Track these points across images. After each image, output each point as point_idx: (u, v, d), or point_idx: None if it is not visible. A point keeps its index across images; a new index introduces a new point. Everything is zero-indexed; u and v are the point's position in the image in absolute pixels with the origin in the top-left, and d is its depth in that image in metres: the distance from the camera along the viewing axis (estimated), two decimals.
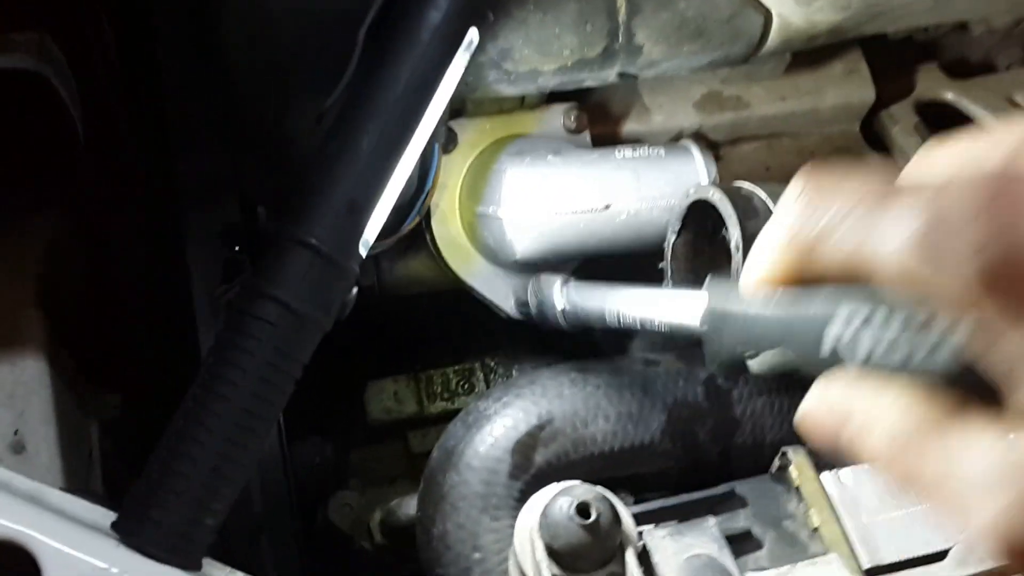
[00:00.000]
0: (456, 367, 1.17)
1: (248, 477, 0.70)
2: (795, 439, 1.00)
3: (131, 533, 0.66)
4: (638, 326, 0.73)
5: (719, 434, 0.99)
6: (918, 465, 0.39)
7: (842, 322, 0.40)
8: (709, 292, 0.50)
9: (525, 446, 0.93)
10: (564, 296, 0.84)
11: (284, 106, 0.78)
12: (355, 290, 0.76)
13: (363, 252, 0.73)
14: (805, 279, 0.42)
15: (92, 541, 0.64)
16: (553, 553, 0.74)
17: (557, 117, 1.03)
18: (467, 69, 0.79)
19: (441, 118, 0.82)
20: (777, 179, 1.19)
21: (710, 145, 1.15)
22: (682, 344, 1.09)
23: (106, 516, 0.69)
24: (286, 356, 0.68)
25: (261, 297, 0.68)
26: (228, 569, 0.72)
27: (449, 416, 1.10)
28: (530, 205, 0.94)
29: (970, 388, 0.38)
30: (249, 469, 0.69)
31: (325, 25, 0.74)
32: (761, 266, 0.43)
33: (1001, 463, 0.36)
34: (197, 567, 0.68)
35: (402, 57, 0.72)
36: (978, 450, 0.37)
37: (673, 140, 1.11)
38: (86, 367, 1.03)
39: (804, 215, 0.40)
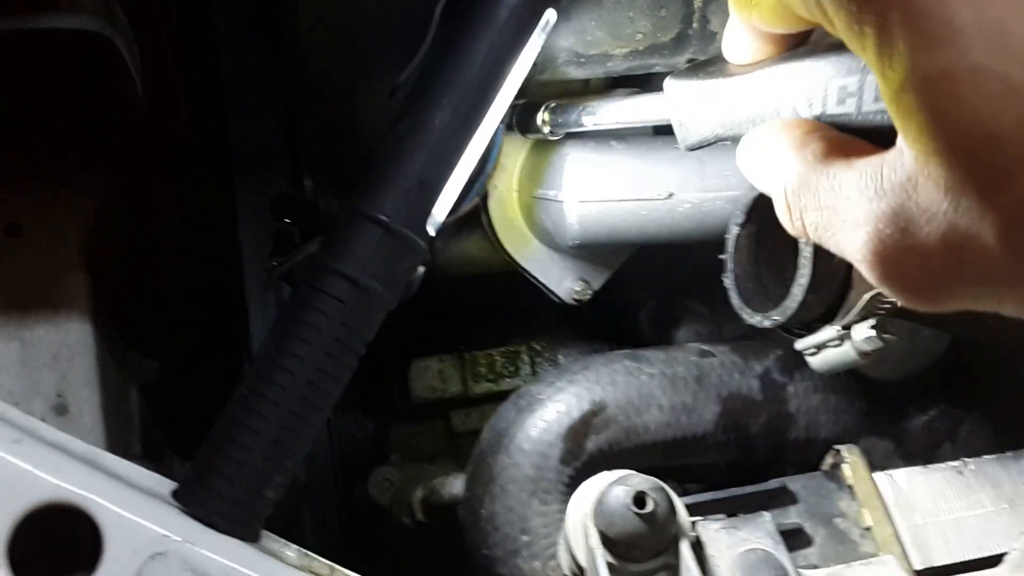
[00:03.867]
0: (502, 349, 1.16)
1: (307, 451, 0.69)
2: (849, 438, 0.99)
3: (193, 502, 0.66)
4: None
5: (772, 428, 0.98)
6: (808, 198, 0.41)
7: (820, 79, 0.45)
8: (674, 78, 0.55)
9: (577, 432, 0.92)
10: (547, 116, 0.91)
11: (354, 78, 0.77)
12: (421, 269, 0.75)
13: (431, 231, 0.72)
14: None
15: (154, 508, 0.64)
16: (608, 541, 0.74)
17: None
18: (540, 49, 0.77)
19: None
20: None
21: None
22: (738, 335, 1.08)
23: (162, 483, 0.68)
24: (352, 332, 0.68)
25: (330, 272, 0.67)
26: (283, 541, 0.72)
27: (493, 397, 1.10)
28: (591, 190, 0.92)
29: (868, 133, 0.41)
30: (309, 443, 0.69)
31: None
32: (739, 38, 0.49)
33: (868, 190, 0.38)
34: (256, 538, 0.68)
35: (479, 34, 0.71)
36: (853, 179, 0.39)
37: None
38: (127, 332, 1.02)
39: None
